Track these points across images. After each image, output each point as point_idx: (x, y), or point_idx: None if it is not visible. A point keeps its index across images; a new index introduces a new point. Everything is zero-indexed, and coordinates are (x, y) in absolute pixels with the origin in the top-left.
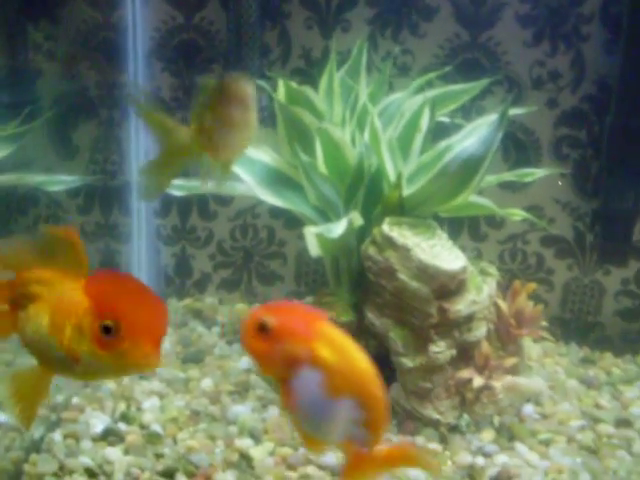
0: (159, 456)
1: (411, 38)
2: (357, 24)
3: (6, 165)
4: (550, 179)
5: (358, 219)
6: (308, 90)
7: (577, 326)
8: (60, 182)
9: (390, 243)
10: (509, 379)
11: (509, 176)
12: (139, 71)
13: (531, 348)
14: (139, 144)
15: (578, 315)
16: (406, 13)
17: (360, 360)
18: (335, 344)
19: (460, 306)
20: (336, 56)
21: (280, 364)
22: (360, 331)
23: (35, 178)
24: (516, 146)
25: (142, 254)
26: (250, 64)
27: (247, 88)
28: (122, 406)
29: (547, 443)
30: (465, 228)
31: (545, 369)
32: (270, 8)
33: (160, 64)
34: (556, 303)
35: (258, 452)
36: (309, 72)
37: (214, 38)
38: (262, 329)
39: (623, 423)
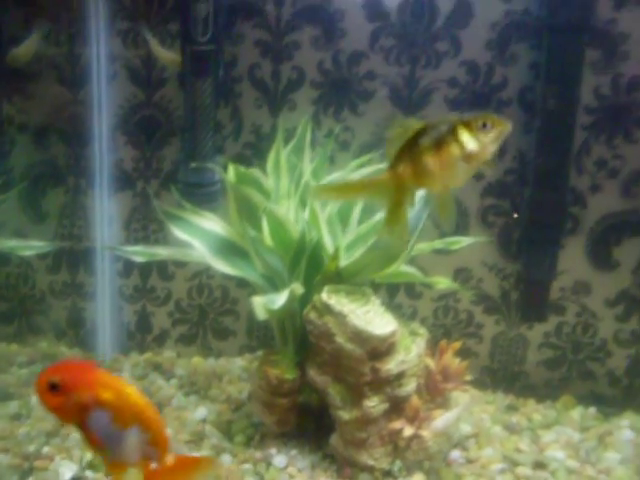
0: None
1: (351, 117)
2: (302, 104)
3: None
4: (478, 244)
5: (299, 289)
6: (255, 171)
7: (504, 375)
8: (31, 247)
9: (328, 310)
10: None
11: (439, 244)
12: (104, 144)
13: (459, 397)
14: (103, 211)
15: (505, 365)
16: (347, 94)
17: (134, 395)
18: (113, 387)
19: (391, 365)
20: (283, 133)
21: (74, 412)
22: (303, 386)
23: (8, 243)
24: None
25: (106, 311)
26: (205, 138)
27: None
28: (89, 455)
29: None
30: (402, 287)
31: (472, 417)
32: (223, 88)
33: (123, 137)
34: (485, 354)
35: None
36: (259, 146)
37: (172, 114)
38: (52, 387)
39: (539, 465)
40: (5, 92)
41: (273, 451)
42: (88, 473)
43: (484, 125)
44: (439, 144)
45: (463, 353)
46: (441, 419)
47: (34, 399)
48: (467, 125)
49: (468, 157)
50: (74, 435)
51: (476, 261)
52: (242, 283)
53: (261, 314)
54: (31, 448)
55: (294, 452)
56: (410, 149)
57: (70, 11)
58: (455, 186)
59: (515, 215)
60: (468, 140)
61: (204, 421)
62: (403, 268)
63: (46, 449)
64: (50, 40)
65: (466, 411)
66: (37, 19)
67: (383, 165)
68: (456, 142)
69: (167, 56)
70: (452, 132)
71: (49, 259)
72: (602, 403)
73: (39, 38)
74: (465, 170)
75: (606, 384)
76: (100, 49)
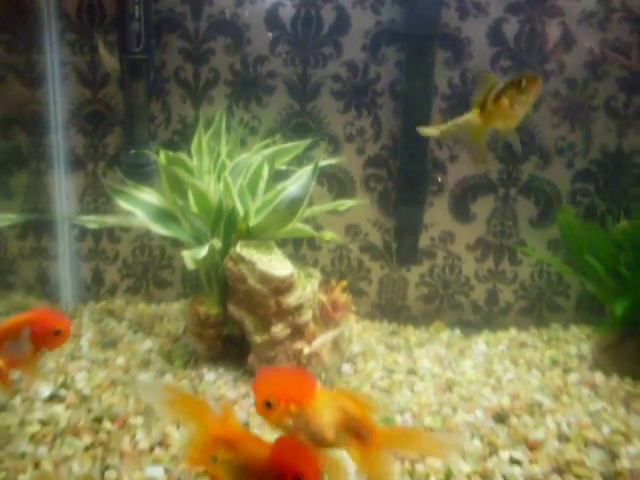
0: (90, 410)
1: (257, 107)
2: (218, 98)
3: None
4: (364, 205)
5: (218, 243)
6: (182, 154)
7: (390, 309)
8: (4, 219)
9: (241, 259)
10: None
11: (328, 207)
12: (59, 134)
13: (353, 327)
14: (61, 188)
15: (390, 301)
16: (253, 89)
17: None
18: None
19: (290, 300)
20: (203, 122)
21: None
22: (226, 320)
23: None
24: (337, 182)
25: (66, 269)
26: (141, 128)
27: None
28: (61, 378)
29: (356, 387)
30: (305, 242)
31: (362, 340)
32: (154, 88)
33: (74, 128)
34: (374, 293)
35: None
36: (184, 132)
37: (114, 109)
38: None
39: (411, 372)
40: None
41: (204, 370)
42: (62, 391)
43: (523, 82)
44: (499, 97)
45: (356, 293)
46: (318, 339)
47: None
48: (514, 84)
49: (517, 105)
50: (48, 364)
51: (362, 219)
52: (175, 243)
53: (189, 264)
54: (15, 375)
55: (221, 370)
56: (486, 101)
57: (27, 26)
58: (514, 125)
59: (439, 180)
60: (515, 94)
61: (150, 351)
62: (298, 226)
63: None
64: (11, 49)
65: (341, 334)
66: None
67: (293, 143)
68: (508, 96)
69: (111, 62)
70: (506, 89)
71: (18, 229)
72: (466, 326)
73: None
74: (517, 114)
75: (470, 312)
76: (53, 56)
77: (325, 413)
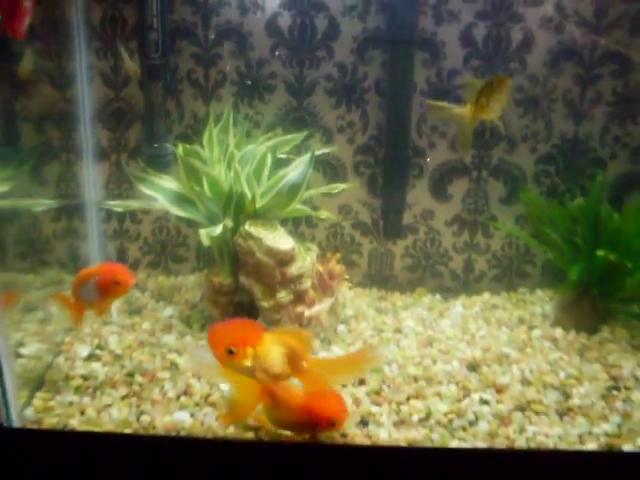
0: (123, 366)
1: (260, 104)
2: (226, 96)
3: (5, 194)
4: (354, 187)
5: (230, 223)
6: (196, 147)
7: (379, 278)
8: (40, 204)
9: (250, 236)
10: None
11: (323, 189)
12: (87, 128)
13: (347, 294)
14: (89, 176)
15: (379, 271)
16: (256, 89)
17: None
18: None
19: (292, 270)
20: (213, 117)
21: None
22: (237, 289)
23: (24, 202)
24: (331, 168)
25: (95, 248)
26: (159, 123)
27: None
28: (96, 341)
29: (350, 344)
30: (303, 220)
31: (354, 304)
32: (170, 87)
33: (100, 124)
34: (365, 265)
35: (182, 360)
36: (196, 127)
37: (134, 107)
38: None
39: (397, 331)
40: (14, 94)
41: None
42: (97, 351)
43: (494, 83)
44: (478, 97)
45: (349, 264)
46: (316, 306)
47: (54, 309)
48: (488, 84)
49: (492, 102)
50: (85, 329)
51: (353, 200)
52: (190, 223)
53: (205, 240)
54: (58, 339)
55: None
56: (474, 97)
57: (58, 36)
58: (495, 117)
59: (428, 159)
60: (490, 93)
61: (171, 317)
62: (298, 207)
63: (68, 339)
64: (44, 56)
65: (336, 300)
66: (33, 41)
67: (292, 135)
68: (485, 95)
69: (132, 67)
70: (482, 90)
71: (51, 213)
72: (446, 292)
73: (33, 56)
74: (495, 109)
75: (449, 279)
76: (81, 61)
77: (274, 351)
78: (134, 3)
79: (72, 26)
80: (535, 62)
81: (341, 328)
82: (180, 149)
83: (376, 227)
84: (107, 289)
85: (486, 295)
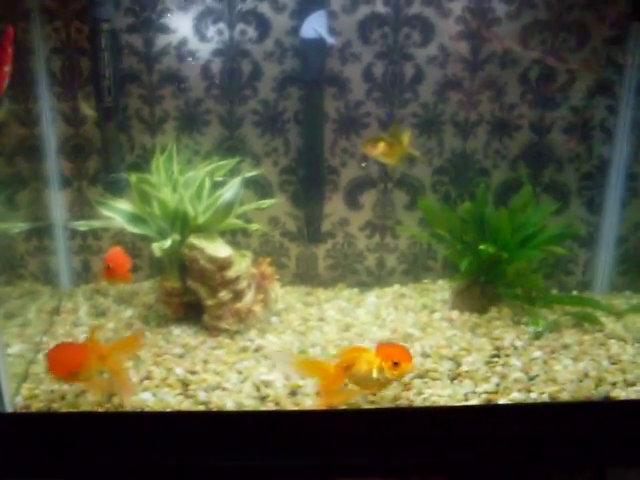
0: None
1: (198, 136)
2: (169, 130)
3: None
4: (280, 203)
5: (177, 237)
6: (146, 174)
7: (306, 277)
8: (15, 227)
9: (194, 247)
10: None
11: (254, 205)
12: (52, 161)
13: (278, 291)
14: (55, 201)
15: (305, 271)
16: (194, 123)
17: None
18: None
19: (231, 273)
20: (159, 149)
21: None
22: (185, 290)
23: (1, 226)
24: (260, 187)
25: (63, 262)
26: (114, 155)
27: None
28: (70, 339)
29: (281, 333)
30: (239, 232)
31: (285, 300)
32: (122, 125)
33: (63, 157)
34: (293, 266)
35: (142, 352)
36: (145, 157)
37: (92, 141)
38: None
39: (320, 320)
40: None
41: (172, 328)
42: None
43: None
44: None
45: (279, 266)
46: (246, 297)
47: (30, 315)
48: (390, 135)
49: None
50: (59, 331)
51: (280, 212)
52: (144, 238)
53: (157, 252)
54: (37, 339)
55: (184, 327)
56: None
57: (25, 84)
58: (395, 161)
59: (363, 164)
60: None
61: (131, 317)
62: (233, 221)
63: (45, 339)
64: (13, 101)
65: (269, 297)
66: (7, 90)
67: (226, 161)
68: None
69: (88, 109)
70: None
71: (24, 234)
72: (362, 286)
73: (7, 102)
74: (395, 153)
75: (365, 275)
76: (45, 104)
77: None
78: (88, 55)
79: (36, 74)
80: (425, 92)
81: (274, 319)
82: (133, 177)
83: (301, 234)
84: (114, 273)
85: (396, 287)
